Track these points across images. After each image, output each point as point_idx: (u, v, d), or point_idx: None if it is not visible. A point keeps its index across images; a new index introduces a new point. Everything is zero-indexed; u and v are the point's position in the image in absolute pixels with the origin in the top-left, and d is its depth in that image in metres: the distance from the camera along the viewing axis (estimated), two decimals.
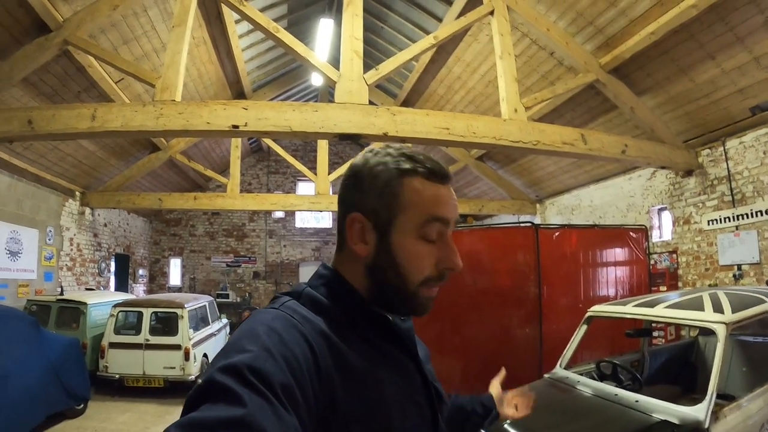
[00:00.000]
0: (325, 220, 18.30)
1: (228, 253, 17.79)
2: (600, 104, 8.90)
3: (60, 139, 6.81)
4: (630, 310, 4.18)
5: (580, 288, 6.92)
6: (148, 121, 5.52)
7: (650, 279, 7.69)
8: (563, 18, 7.51)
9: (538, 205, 13.33)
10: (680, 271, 9.00)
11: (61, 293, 9.14)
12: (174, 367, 7.78)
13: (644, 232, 7.60)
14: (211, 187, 16.73)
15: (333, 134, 5.80)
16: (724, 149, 8.02)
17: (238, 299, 16.76)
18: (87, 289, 11.04)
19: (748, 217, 7.67)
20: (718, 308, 3.64)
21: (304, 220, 18.22)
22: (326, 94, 13.77)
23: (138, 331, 8.00)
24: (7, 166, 8.41)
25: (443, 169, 1.02)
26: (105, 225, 12.90)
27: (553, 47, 7.87)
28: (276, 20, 9.26)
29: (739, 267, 7.85)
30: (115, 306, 8.16)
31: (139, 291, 15.59)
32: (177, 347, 7.85)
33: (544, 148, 6.70)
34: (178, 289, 16.94)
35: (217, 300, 11.80)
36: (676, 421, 3.02)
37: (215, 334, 9.66)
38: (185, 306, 8.18)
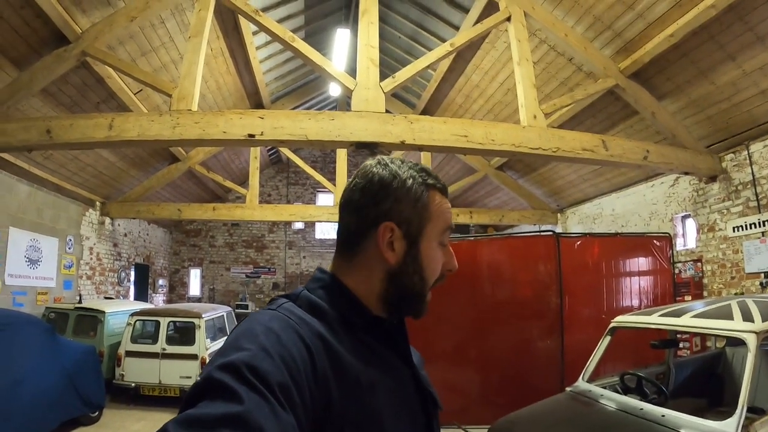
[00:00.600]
0: None
1: (247, 264, 17.80)
2: (620, 110, 8.76)
3: (78, 149, 6.87)
4: (655, 320, 4.03)
5: (603, 298, 6.76)
6: (164, 130, 5.54)
7: (675, 288, 7.50)
8: (581, 23, 7.41)
9: (559, 215, 13.13)
10: (705, 280, 8.77)
11: (80, 301, 9.21)
12: (190, 377, 7.75)
13: (668, 240, 7.43)
14: (231, 198, 16.81)
15: (349, 143, 5.76)
16: (748, 153, 7.82)
17: (258, 310, 16.69)
18: (106, 298, 11.15)
19: None
20: (747, 317, 3.50)
21: (324, 231, 18.15)
22: (344, 105, 13.80)
23: (155, 341, 8.00)
24: (26, 175, 8.51)
25: (445, 186, 1.13)
26: (125, 235, 13.01)
27: (571, 53, 7.76)
28: (293, 31, 9.28)
29: (767, 275, 7.62)
30: (133, 315, 8.18)
31: (158, 301, 15.67)
32: (194, 357, 7.82)
33: (564, 155, 6.58)
34: (198, 300, 17.00)
35: (237, 311, 11.81)
36: None
37: None
38: (203, 316, 8.17)
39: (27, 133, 5.86)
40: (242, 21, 8.41)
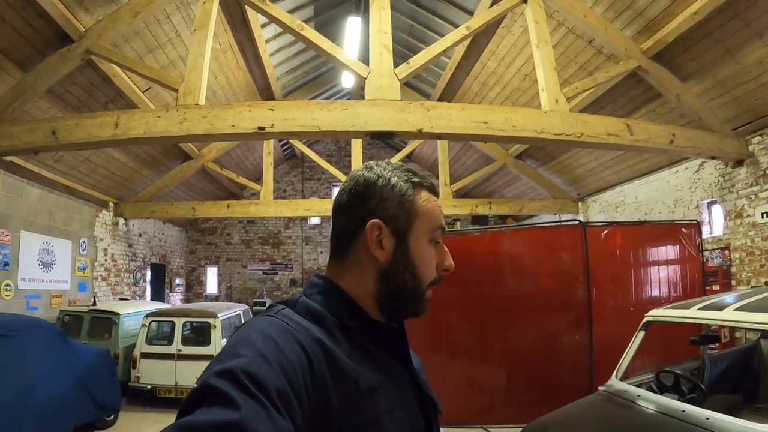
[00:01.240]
0: None
1: (264, 261, 17.72)
2: (642, 93, 8.45)
3: (84, 149, 6.75)
4: (695, 314, 3.76)
5: (631, 289, 6.51)
6: (171, 126, 5.37)
7: (704, 278, 7.23)
8: (600, 3, 7.12)
9: (580, 204, 12.84)
10: (733, 269, 8.46)
11: (94, 303, 9.11)
12: None
13: (697, 227, 7.14)
14: (246, 195, 16.71)
15: (364, 132, 5.56)
16: None
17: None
18: (121, 299, 11.06)
19: None
20: None
21: None
22: (358, 97, 13.56)
23: (170, 342, 7.88)
24: (37, 178, 8.43)
25: (434, 185, 1.14)
26: (140, 235, 12.94)
27: (591, 34, 7.47)
28: (303, 22, 9.09)
29: None
30: (147, 316, 8.06)
31: (175, 300, 15.65)
32: (210, 357, 7.58)
33: (588, 141, 6.32)
34: (215, 298, 16.96)
35: (254, 308, 11.65)
36: None
37: None
38: (218, 315, 8.02)
39: (32, 135, 5.74)
40: (250, 13, 8.21)
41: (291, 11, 9.18)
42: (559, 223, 7.08)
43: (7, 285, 7.79)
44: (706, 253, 8.55)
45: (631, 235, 6.71)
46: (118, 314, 8.10)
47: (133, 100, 7.92)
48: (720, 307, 3.63)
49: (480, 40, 9.01)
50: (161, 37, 7.60)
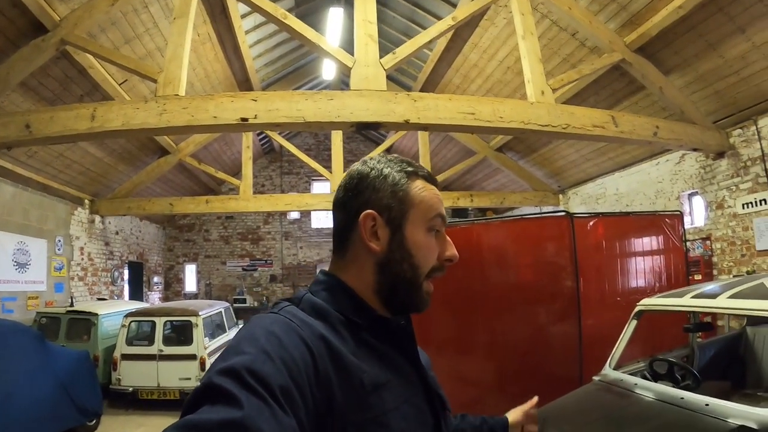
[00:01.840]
0: None
1: (243, 257, 17.49)
2: (625, 86, 8.51)
3: (59, 142, 6.51)
4: (688, 302, 3.76)
5: (617, 280, 6.53)
6: (150, 118, 5.19)
7: (687, 268, 7.30)
8: None
9: (560, 196, 12.95)
10: (715, 259, 8.58)
11: (71, 304, 8.85)
12: (190, 378, 7.44)
13: (680, 218, 7.20)
14: (224, 191, 16.48)
15: (350, 123, 5.45)
16: (757, 128, 7.63)
17: (256, 304, 16.49)
18: (99, 299, 10.75)
19: None
20: None
21: (320, 220, 17.87)
22: (339, 88, 13.43)
23: (151, 342, 7.65)
24: (9, 175, 8.12)
25: (432, 175, 1.12)
26: (116, 233, 12.63)
27: (575, 27, 7.46)
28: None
29: None
30: (127, 316, 7.83)
31: (154, 299, 15.33)
32: (192, 357, 7.51)
33: (574, 132, 6.33)
34: (194, 296, 16.68)
35: (234, 305, 11.46)
36: (755, 426, 2.64)
37: None
38: (200, 313, 7.83)
39: (5, 130, 5.48)
40: (230, 2, 8.04)
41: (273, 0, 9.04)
42: (546, 215, 7.05)
43: None
44: (687, 244, 8.64)
45: (616, 225, 6.74)
46: (96, 315, 7.85)
47: (109, 93, 7.67)
48: (713, 295, 3.63)
49: (462, 32, 8.95)
50: (139, 27, 7.38)
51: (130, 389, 7.49)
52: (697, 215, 9.18)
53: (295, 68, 12.82)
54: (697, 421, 2.84)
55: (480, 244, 5.97)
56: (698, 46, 7.11)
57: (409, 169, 1.07)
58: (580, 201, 12.45)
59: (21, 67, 6.07)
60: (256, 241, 17.66)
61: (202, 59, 9.07)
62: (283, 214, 17.38)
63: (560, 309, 5.95)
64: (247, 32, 9.41)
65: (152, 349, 7.56)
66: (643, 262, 6.77)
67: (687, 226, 8.97)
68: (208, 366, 7.36)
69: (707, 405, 2.93)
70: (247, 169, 11.58)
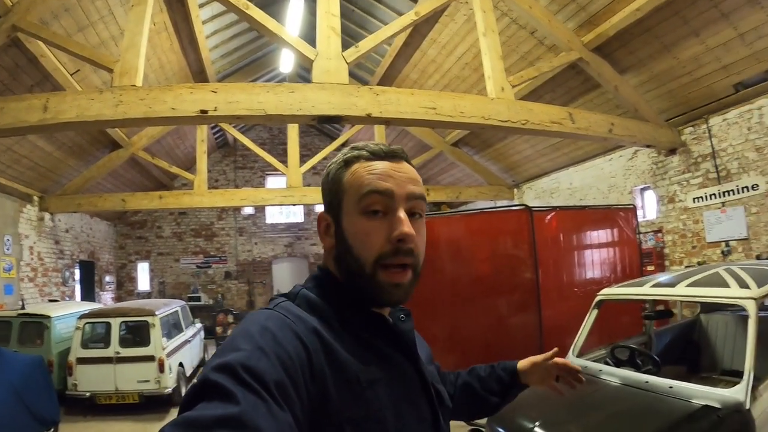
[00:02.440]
0: (296, 214, 17.83)
1: (197, 254, 17.13)
2: (580, 84, 8.71)
3: (9, 135, 6.17)
4: (648, 291, 3.91)
5: (574, 271, 6.72)
6: (106, 109, 4.97)
7: (641, 259, 7.56)
8: None
9: (515, 190, 13.22)
10: (666, 250, 8.90)
11: (23, 307, 8.42)
12: (148, 381, 7.17)
13: (633, 211, 7.50)
14: (177, 186, 16.02)
15: (312, 117, 5.37)
16: (708, 127, 7.94)
17: (211, 301, 16.16)
18: (50, 301, 10.27)
19: (734, 194, 7.60)
20: (742, 284, 3.45)
21: (274, 215, 17.70)
22: (296, 81, 13.28)
23: (107, 344, 7.31)
24: None
25: (388, 148, 1.03)
26: (67, 231, 12.11)
27: (535, 25, 7.59)
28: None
29: (727, 243, 7.76)
30: (81, 318, 7.45)
31: (106, 299, 14.79)
32: (150, 358, 7.22)
33: (532, 128, 6.44)
34: (148, 295, 16.20)
35: (189, 303, 11.14)
36: (717, 405, 2.80)
37: (190, 341, 9.05)
38: (156, 313, 7.55)
39: None
40: None
41: None
42: (506, 208, 7.17)
43: None
44: (640, 236, 8.95)
45: (573, 218, 6.92)
46: (49, 317, 7.47)
47: (60, 84, 7.31)
48: (672, 284, 3.76)
49: (421, 27, 8.98)
50: (93, 14, 7.07)
51: (88, 394, 7.15)
52: (649, 209, 9.50)
53: (251, 60, 12.61)
54: (662, 403, 2.97)
55: (440, 238, 6.01)
56: (653, 48, 7.36)
57: (351, 154, 1.02)
58: (534, 195, 12.72)
59: None
60: (210, 237, 17.33)
61: (157, 49, 8.80)
62: (238, 209, 17.12)
63: (520, 300, 6.08)
64: (204, 22, 9.19)
65: (108, 352, 7.24)
66: (599, 254, 6.98)
67: (639, 219, 9.28)
68: (166, 367, 7.18)
69: (671, 387, 3.08)
70: (202, 163, 11.31)
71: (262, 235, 17.60)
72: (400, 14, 8.33)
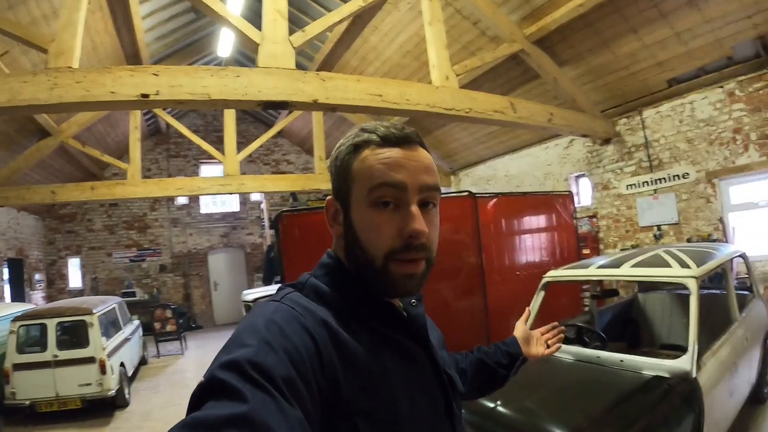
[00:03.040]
0: (231, 204, 17.45)
1: (130, 247, 16.40)
2: (520, 75, 8.95)
3: None
4: (594, 272, 4.09)
5: (516, 255, 6.94)
6: (39, 93, 4.65)
7: (578, 243, 7.88)
8: None
9: (452, 177, 13.52)
10: (601, 235, 9.30)
11: None
12: (90, 384, 6.81)
13: (571, 197, 7.77)
14: (108, 176, 15.30)
15: (257, 102, 5.24)
16: (641, 119, 8.37)
17: (146, 296, 15.55)
18: None
19: (666, 181, 8.03)
20: (683, 264, 3.67)
21: (209, 205, 17.26)
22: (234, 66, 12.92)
23: (44, 347, 6.85)
24: None
25: (400, 132, 0.98)
26: None
27: (478, 16, 7.70)
28: None
29: (659, 228, 8.18)
30: (15, 320, 6.93)
31: (37, 299, 13.85)
32: (91, 360, 6.85)
33: (476, 116, 6.56)
34: (80, 292, 15.37)
35: (124, 300, 10.66)
36: (666, 375, 2.98)
37: (130, 339, 8.71)
38: (94, 311, 7.17)
39: None
40: None
41: None
42: (450, 194, 7.30)
43: None
44: (576, 221, 9.36)
45: (515, 204, 7.16)
46: None
47: None
48: (617, 265, 3.96)
49: (364, 14, 8.91)
50: None
51: (27, 402, 6.70)
52: (584, 195, 9.90)
53: (188, 44, 12.16)
54: (614, 375, 3.14)
55: None
56: (593, 42, 7.67)
57: (360, 138, 0.97)
58: (471, 182, 13.04)
59: None
60: (143, 229, 16.64)
61: (90, 30, 8.30)
62: (171, 199, 16.51)
63: (466, 284, 6.22)
64: (141, 1, 8.80)
65: (46, 356, 6.79)
66: (539, 238, 7.24)
67: (576, 205, 9.70)
68: (108, 368, 6.86)
69: (622, 361, 3.26)
70: (135, 151, 10.74)
71: (197, 226, 17.07)
72: (345, 1, 8.27)
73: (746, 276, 5.25)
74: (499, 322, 5.97)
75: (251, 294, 10.54)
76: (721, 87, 7.28)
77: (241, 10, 8.95)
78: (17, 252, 12.79)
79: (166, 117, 11.70)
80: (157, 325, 11.45)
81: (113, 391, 6.92)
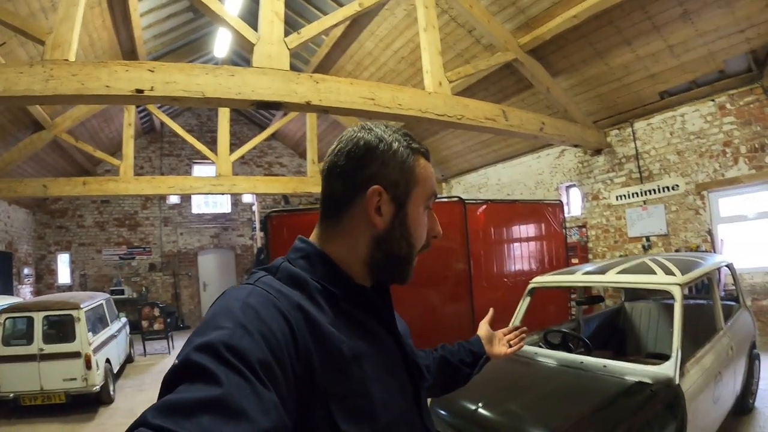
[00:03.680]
0: (223, 205, 17.40)
1: (120, 245, 16.27)
2: (513, 84, 9.02)
3: None
4: (580, 278, 4.12)
5: (504, 262, 6.96)
6: (35, 84, 4.66)
7: (567, 251, 7.93)
8: None
9: (444, 184, 13.60)
10: (590, 244, 9.36)
11: None
12: (75, 378, 6.74)
13: (561, 206, 7.82)
14: (100, 172, 15.26)
15: (250, 102, 5.28)
16: (633, 130, 8.46)
17: (135, 294, 15.49)
18: None
19: (655, 193, 8.11)
20: (668, 271, 3.69)
21: (200, 205, 17.21)
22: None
23: (30, 341, 6.79)
24: None
25: (426, 149, 1.10)
26: None
27: (474, 24, 7.78)
28: None
29: (648, 238, 8.26)
30: (1, 312, 6.92)
31: (25, 293, 13.74)
32: (76, 355, 6.79)
33: (468, 123, 6.61)
34: (69, 288, 15.24)
35: (112, 297, 10.61)
36: (649, 381, 2.99)
37: (116, 336, 8.65)
38: (81, 306, 7.10)
39: None
40: None
41: None
42: (440, 200, 7.33)
43: None
44: (566, 230, 9.43)
45: (504, 212, 7.19)
46: None
47: None
48: (603, 272, 4.00)
49: (361, 19, 8.99)
50: None
51: (11, 395, 6.64)
52: (574, 205, 9.97)
53: (185, 43, 12.19)
54: (598, 380, 3.15)
55: None
56: (586, 53, 7.74)
57: (414, 145, 1.06)
58: (462, 189, 13.12)
59: None
60: (134, 227, 16.53)
61: (88, 25, 8.31)
62: (163, 198, 16.45)
63: (454, 290, 6.24)
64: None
65: (32, 349, 6.74)
66: (527, 246, 7.27)
67: (565, 214, 9.77)
68: (93, 364, 6.83)
69: (605, 366, 3.27)
70: (129, 148, 10.72)
71: (188, 226, 16.99)
72: (341, 5, 8.34)
73: (734, 287, 5.32)
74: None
75: None
76: (713, 100, 7.38)
77: (239, 11, 8.96)
78: (7, 245, 12.71)
79: (160, 115, 11.68)
80: (144, 324, 11.37)
81: (98, 387, 6.87)
